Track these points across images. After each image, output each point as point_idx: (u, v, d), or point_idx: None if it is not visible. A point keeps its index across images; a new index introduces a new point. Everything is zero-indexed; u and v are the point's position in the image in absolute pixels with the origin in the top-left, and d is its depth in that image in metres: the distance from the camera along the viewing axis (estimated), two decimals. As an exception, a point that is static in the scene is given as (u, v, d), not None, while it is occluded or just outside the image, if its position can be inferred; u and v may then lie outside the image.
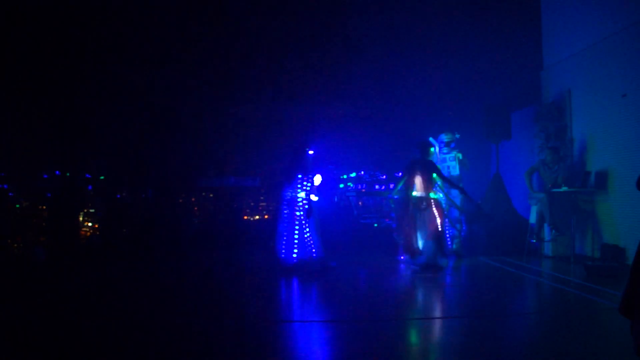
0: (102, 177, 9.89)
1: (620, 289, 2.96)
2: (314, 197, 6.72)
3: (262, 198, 11.54)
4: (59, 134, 9.03)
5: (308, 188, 6.67)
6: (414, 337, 4.04)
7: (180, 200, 10.70)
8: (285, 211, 6.65)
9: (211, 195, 11.08)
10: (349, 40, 10.46)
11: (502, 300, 5.29)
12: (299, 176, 6.63)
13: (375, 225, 9.94)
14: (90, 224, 9.57)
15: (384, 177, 11.61)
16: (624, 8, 6.85)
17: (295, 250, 6.51)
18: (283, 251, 6.56)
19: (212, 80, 10.50)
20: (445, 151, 8.28)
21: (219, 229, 9.92)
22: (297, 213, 6.57)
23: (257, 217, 11.22)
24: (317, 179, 6.78)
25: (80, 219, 9.44)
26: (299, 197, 6.60)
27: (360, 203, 11.39)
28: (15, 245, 8.33)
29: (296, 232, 6.53)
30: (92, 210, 9.64)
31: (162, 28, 9.48)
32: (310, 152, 6.75)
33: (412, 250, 6.83)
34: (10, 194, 8.66)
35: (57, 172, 9.08)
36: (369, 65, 10.72)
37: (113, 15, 9.05)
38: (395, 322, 4.39)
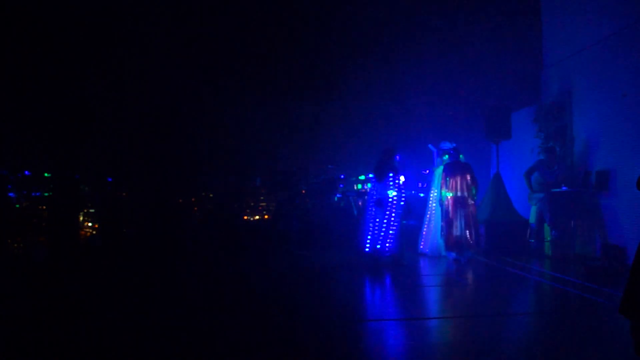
0: (102, 177, 9.89)
1: (621, 289, 2.96)
2: (392, 193, 7.22)
3: (262, 198, 11.57)
4: (59, 134, 9.02)
5: (397, 187, 7.22)
6: (414, 337, 4.04)
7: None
8: (372, 209, 7.17)
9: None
10: (346, 39, 10.46)
11: (502, 301, 5.29)
12: (390, 175, 7.18)
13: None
14: (90, 224, 9.59)
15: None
16: (624, 8, 6.85)
17: (388, 243, 7.05)
18: (368, 246, 7.09)
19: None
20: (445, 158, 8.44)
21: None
22: (387, 210, 7.10)
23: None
24: (401, 179, 7.37)
25: (81, 219, 9.44)
26: (389, 196, 7.11)
27: (360, 203, 11.38)
28: (16, 245, 8.34)
29: (392, 226, 7.09)
30: (92, 210, 9.66)
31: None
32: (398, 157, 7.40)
33: (460, 246, 7.33)
34: (10, 194, 8.67)
35: (57, 172, 9.06)
36: (367, 65, 10.72)
37: (116, 13, 9.03)
38: (403, 323, 4.39)
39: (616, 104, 6.91)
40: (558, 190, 7.37)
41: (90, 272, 7.00)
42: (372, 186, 7.38)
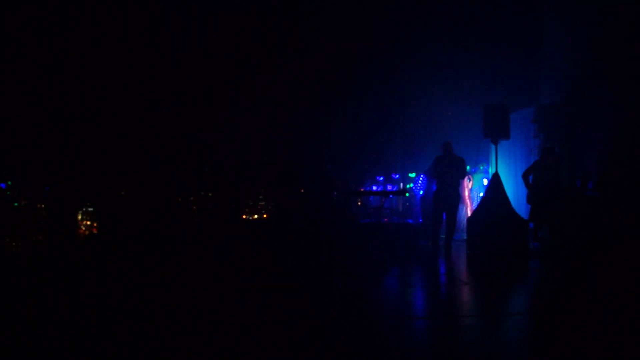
0: (100, 176, 9.88)
1: (621, 289, 2.96)
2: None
3: (260, 197, 11.57)
4: (58, 133, 9.02)
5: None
6: (418, 338, 4.04)
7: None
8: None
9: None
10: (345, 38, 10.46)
11: (501, 301, 5.30)
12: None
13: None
14: (89, 222, 9.58)
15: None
16: (623, 8, 6.85)
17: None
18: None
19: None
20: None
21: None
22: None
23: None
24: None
25: (79, 217, 9.44)
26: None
27: (359, 203, 11.37)
28: (14, 244, 8.33)
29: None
30: (90, 209, 9.65)
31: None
32: None
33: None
34: (8, 192, 8.66)
35: (56, 171, 9.07)
36: (365, 67, 10.73)
37: (116, 14, 9.03)
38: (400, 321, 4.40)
39: (616, 103, 6.92)
40: (557, 190, 7.37)
41: (89, 270, 7.00)
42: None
